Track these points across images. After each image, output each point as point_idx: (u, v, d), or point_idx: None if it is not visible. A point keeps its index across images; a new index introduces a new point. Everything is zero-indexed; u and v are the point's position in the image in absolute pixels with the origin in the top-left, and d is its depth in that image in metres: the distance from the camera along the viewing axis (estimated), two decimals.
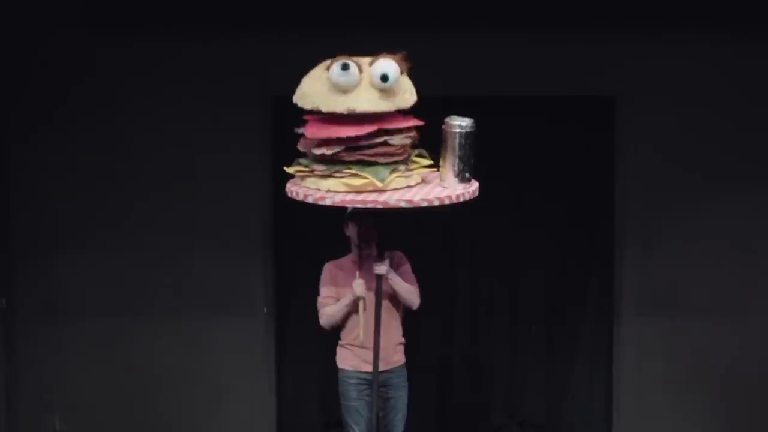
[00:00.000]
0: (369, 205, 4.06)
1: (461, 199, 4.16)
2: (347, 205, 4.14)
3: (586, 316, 6.96)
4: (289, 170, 4.32)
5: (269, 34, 6.41)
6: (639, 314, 6.68)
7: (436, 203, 4.10)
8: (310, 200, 4.19)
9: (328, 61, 4.05)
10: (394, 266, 5.51)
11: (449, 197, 4.12)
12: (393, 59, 4.01)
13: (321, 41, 6.40)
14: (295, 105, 4.34)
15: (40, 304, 6.65)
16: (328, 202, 4.13)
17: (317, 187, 4.21)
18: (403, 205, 4.05)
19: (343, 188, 4.11)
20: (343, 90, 3.99)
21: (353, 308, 5.54)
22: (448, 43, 6.42)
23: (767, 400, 6.68)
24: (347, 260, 5.66)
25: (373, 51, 6.37)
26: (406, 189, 4.16)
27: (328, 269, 5.67)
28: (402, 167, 4.16)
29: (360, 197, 4.08)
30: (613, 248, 6.72)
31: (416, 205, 4.06)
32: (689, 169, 6.58)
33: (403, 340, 5.70)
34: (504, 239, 6.91)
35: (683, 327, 6.67)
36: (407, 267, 5.61)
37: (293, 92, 4.64)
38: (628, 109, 6.56)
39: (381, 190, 4.09)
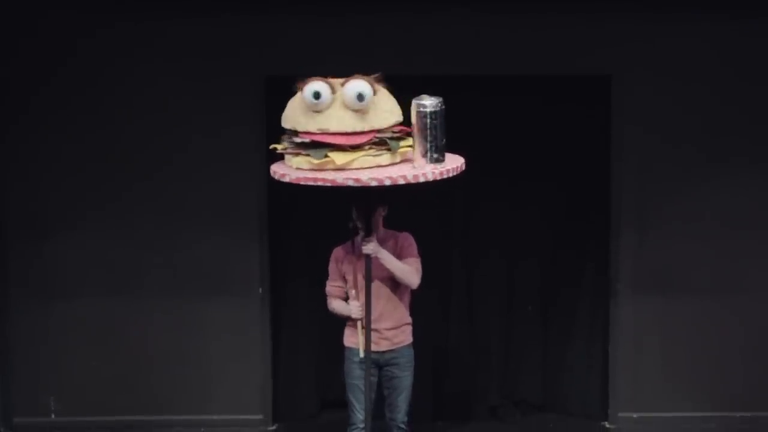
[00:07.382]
0: (319, 183, 4.05)
1: (419, 180, 4.11)
2: (302, 183, 4.12)
3: (583, 296, 6.94)
4: (272, 146, 4.33)
5: (262, 13, 6.38)
6: (635, 293, 6.67)
7: (388, 183, 4.05)
8: (276, 177, 4.23)
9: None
10: (398, 247, 5.47)
11: (404, 177, 4.07)
12: (366, 79, 4.08)
13: (313, 20, 6.41)
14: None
15: (35, 285, 6.67)
16: (287, 179, 4.16)
17: (289, 164, 4.21)
18: (351, 183, 4.03)
19: (307, 165, 4.11)
20: (316, 110, 4.09)
21: (354, 289, 5.51)
22: (442, 22, 6.39)
23: (763, 379, 6.69)
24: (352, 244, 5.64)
25: (363, 31, 6.39)
26: (372, 169, 4.13)
27: (333, 255, 5.63)
28: (367, 146, 4.14)
29: (312, 175, 4.07)
30: (609, 227, 6.70)
31: (365, 185, 4.04)
32: (685, 148, 6.56)
33: (409, 320, 5.66)
34: (499, 220, 6.89)
35: (679, 305, 6.66)
36: (411, 249, 5.54)
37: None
38: (624, 88, 6.53)
39: (341, 169, 4.07)
